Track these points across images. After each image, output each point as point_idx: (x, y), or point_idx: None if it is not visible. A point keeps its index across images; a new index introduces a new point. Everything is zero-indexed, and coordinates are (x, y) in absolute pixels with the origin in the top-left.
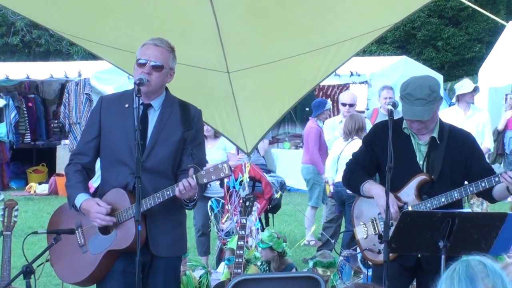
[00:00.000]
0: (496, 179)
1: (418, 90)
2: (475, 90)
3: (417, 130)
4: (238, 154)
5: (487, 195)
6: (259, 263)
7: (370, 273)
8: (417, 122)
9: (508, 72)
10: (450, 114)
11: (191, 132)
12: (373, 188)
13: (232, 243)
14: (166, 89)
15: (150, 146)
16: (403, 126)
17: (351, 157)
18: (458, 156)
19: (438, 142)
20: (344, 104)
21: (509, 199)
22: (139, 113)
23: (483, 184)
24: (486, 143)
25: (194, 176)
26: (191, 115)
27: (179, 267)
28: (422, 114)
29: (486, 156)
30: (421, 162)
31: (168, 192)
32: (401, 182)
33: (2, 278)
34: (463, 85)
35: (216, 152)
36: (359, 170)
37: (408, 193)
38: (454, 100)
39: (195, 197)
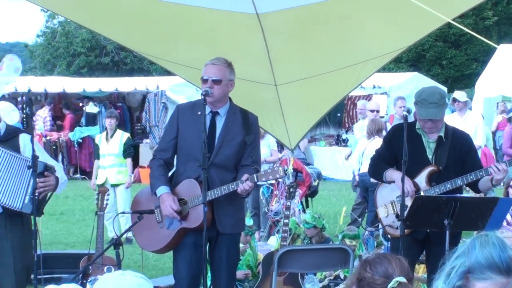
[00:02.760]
0: (481, 173)
1: (431, 96)
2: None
3: (429, 129)
4: (283, 151)
5: (474, 186)
6: (302, 237)
7: (389, 245)
8: (430, 122)
9: (499, 85)
10: (450, 118)
11: (250, 136)
12: (394, 174)
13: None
14: (230, 99)
15: (217, 146)
16: (416, 127)
17: (374, 153)
18: (459, 152)
19: (444, 140)
20: (372, 111)
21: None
22: (204, 119)
23: (472, 177)
24: (478, 141)
25: (255, 175)
26: (250, 122)
27: (239, 241)
28: (435, 115)
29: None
30: (430, 156)
31: (232, 186)
32: (414, 172)
33: (97, 249)
34: (458, 96)
35: (262, 148)
36: (381, 162)
37: (420, 181)
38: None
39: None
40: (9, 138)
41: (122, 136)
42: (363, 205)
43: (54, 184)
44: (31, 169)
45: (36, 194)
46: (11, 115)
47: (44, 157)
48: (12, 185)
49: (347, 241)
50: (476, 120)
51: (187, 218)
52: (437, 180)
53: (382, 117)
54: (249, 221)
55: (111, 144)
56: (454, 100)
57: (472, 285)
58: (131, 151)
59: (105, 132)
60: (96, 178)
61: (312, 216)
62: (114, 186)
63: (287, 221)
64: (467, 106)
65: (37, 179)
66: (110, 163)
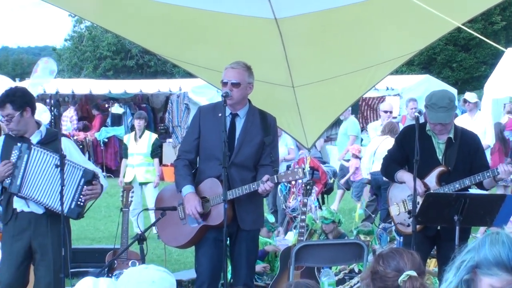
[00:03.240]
0: (488, 174)
1: (441, 100)
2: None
3: (439, 131)
4: (300, 150)
5: (479, 184)
6: (319, 233)
7: (401, 240)
8: (439, 125)
9: (507, 87)
10: (461, 118)
11: (269, 137)
12: (405, 175)
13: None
14: (249, 101)
15: (237, 146)
16: (427, 129)
17: (386, 152)
18: (467, 152)
19: (453, 141)
20: (385, 112)
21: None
22: (225, 120)
23: (479, 177)
24: (487, 141)
25: (276, 176)
26: (268, 123)
27: (258, 236)
28: (445, 118)
29: (487, 151)
30: (440, 157)
31: (253, 186)
32: (424, 173)
33: (122, 244)
34: (469, 98)
35: (280, 147)
36: (393, 163)
37: (431, 180)
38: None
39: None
40: (50, 141)
41: (150, 137)
42: (374, 203)
43: (100, 192)
44: (81, 177)
45: (83, 200)
46: (42, 116)
47: (83, 160)
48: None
49: (362, 237)
50: (486, 120)
51: (209, 216)
52: (447, 180)
53: (395, 117)
54: (271, 218)
55: (139, 144)
56: (465, 101)
57: (479, 279)
58: (158, 151)
59: (133, 133)
60: (123, 176)
61: (329, 211)
62: (142, 184)
63: (304, 217)
64: (477, 107)
65: (85, 186)
66: (139, 162)
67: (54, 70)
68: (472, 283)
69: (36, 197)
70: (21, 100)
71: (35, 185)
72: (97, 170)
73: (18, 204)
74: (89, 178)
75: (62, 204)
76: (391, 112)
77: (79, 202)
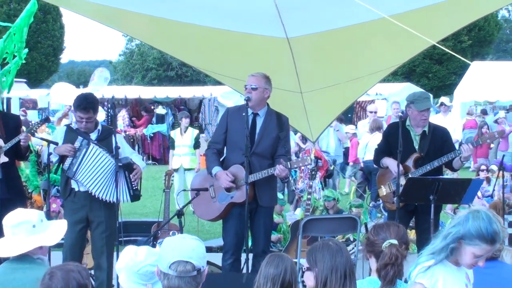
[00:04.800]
0: (452, 155)
1: (423, 94)
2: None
3: (424, 120)
4: (306, 142)
5: (449, 166)
6: (321, 209)
7: (387, 215)
8: (426, 112)
9: (472, 93)
10: (436, 117)
11: (283, 133)
12: (388, 160)
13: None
14: (268, 104)
15: (258, 139)
16: (407, 124)
17: (376, 146)
18: (438, 142)
19: (427, 134)
20: (371, 112)
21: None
22: (247, 118)
23: (445, 159)
24: (457, 136)
25: (289, 163)
26: (282, 121)
27: (273, 212)
28: (430, 104)
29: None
30: (416, 146)
31: (271, 171)
32: (404, 158)
33: (164, 218)
34: (445, 101)
35: None
36: (382, 153)
37: (409, 164)
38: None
39: (288, 177)
40: (105, 138)
41: (193, 132)
42: (364, 184)
43: (141, 171)
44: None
45: (136, 184)
46: (99, 116)
47: (130, 151)
48: (110, 180)
49: (354, 209)
50: (456, 120)
51: (235, 195)
52: (421, 164)
53: (382, 117)
54: (280, 196)
55: (184, 138)
56: (441, 104)
57: (463, 248)
58: (199, 143)
59: (178, 129)
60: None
61: (330, 191)
62: (187, 170)
63: (309, 196)
64: (449, 109)
65: (131, 174)
66: (184, 152)
67: (108, 77)
68: (457, 251)
69: (86, 183)
70: (96, 105)
71: (86, 174)
72: (136, 156)
73: (75, 185)
74: (130, 167)
75: (117, 190)
76: (375, 112)
77: (134, 188)
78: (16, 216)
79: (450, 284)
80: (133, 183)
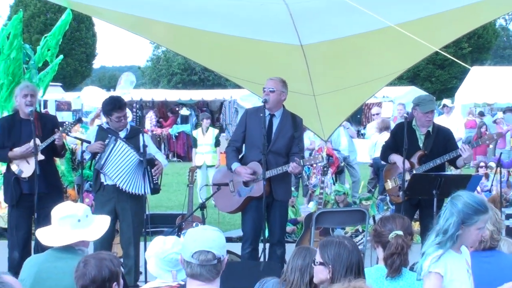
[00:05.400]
0: (453, 153)
1: (428, 97)
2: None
3: (429, 121)
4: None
5: (453, 164)
6: (332, 203)
7: (393, 208)
8: (430, 113)
9: (471, 95)
10: (440, 118)
11: (298, 132)
12: (395, 157)
13: (317, 192)
14: (283, 106)
15: (274, 139)
16: (413, 124)
17: (384, 143)
18: (441, 141)
19: (431, 134)
20: (373, 114)
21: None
22: (265, 119)
23: (446, 157)
24: (460, 134)
25: (302, 161)
26: (297, 122)
27: (287, 205)
28: (434, 106)
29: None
30: (420, 145)
31: (285, 168)
32: (409, 155)
33: (188, 211)
34: (448, 103)
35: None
36: (388, 149)
37: (414, 161)
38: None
39: (301, 173)
40: (133, 136)
41: (213, 131)
42: (375, 180)
43: (162, 168)
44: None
45: (156, 178)
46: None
47: (155, 150)
48: (133, 174)
49: (364, 202)
50: (458, 120)
51: (252, 189)
52: (425, 161)
53: (389, 117)
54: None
55: (206, 137)
56: (444, 105)
57: (467, 230)
58: (219, 142)
59: (200, 128)
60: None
61: (341, 186)
62: (209, 166)
63: (322, 191)
64: (451, 110)
65: (152, 169)
66: (207, 150)
67: (133, 81)
68: (461, 236)
69: (113, 176)
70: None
71: (113, 167)
72: (160, 155)
73: (103, 178)
74: (152, 163)
75: (145, 183)
76: (378, 114)
77: (155, 182)
78: (64, 209)
79: (456, 269)
80: (153, 177)
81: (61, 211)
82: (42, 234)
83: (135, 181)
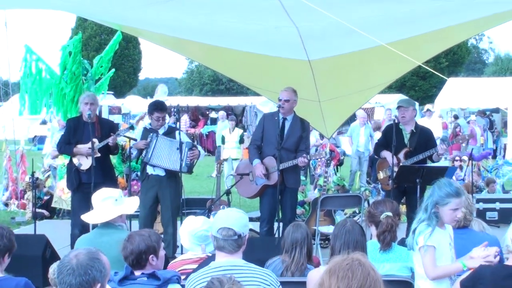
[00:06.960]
0: (432, 151)
1: (402, 99)
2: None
3: (402, 114)
4: (323, 138)
5: (430, 159)
6: (333, 190)
7: (384, 193)
8: (401, 109)
9: (448, 102)
10: (423, 120)
11: (305, 133)
12: (385, 153)
13: (320, 181)
14: (294, 112)
15: (286, 138)
16: (400, 125)
17: (376, 141)
18: (423, 139)
19: (415, 132)
20: (360, 117)
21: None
22: (279, 122)
23: (427, 153)
24: (438, 134)
25: (308, 155)
26: (305, 125)
27: (297, 192)
28: (402, 103)
29: (438, 140)
30: (406, 142)
31: (295, 161)
32: (397, 151)
33: (216, 195)
34: (430, 108)
35: (311, 138)
36: (380, 146)
37: (400, 156)
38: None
39: (307, 165)
40: (170, 132)
41: (238, 131)
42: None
43: (198, 154)
44: (184, 146)
45: (189, 161)
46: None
47: (191, 144)
48: (175, 157)
49: (367, 192)
50: (437, 122)
51: (268, 179)
52: (409, 156)
53: (380, 120)
54: (303, 178)
55: (232, 135)
56: (427, 110)
57: (442, 210)
58: (243, 140)
59: (227, 128)
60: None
61: (337, 179)
62: (234, 159)
63: (325, 180)
64: (432, 113)
65: (189, 152)
66: (232, 146)
67: (166, 91)
68: (439, 214)
69: (160, 164)
70: (166, 108)
71: (159, 157)
72: (199, 147)
73: (149, 169)
74: (190, 147)
75: (180, 168)
76: (363, 118)
77: (188, 162)
78: (103, 193)
79: (443, 243)
80: (188, 158)
81: (101, 195)
82: (88, 217)
83: (173, 162)
